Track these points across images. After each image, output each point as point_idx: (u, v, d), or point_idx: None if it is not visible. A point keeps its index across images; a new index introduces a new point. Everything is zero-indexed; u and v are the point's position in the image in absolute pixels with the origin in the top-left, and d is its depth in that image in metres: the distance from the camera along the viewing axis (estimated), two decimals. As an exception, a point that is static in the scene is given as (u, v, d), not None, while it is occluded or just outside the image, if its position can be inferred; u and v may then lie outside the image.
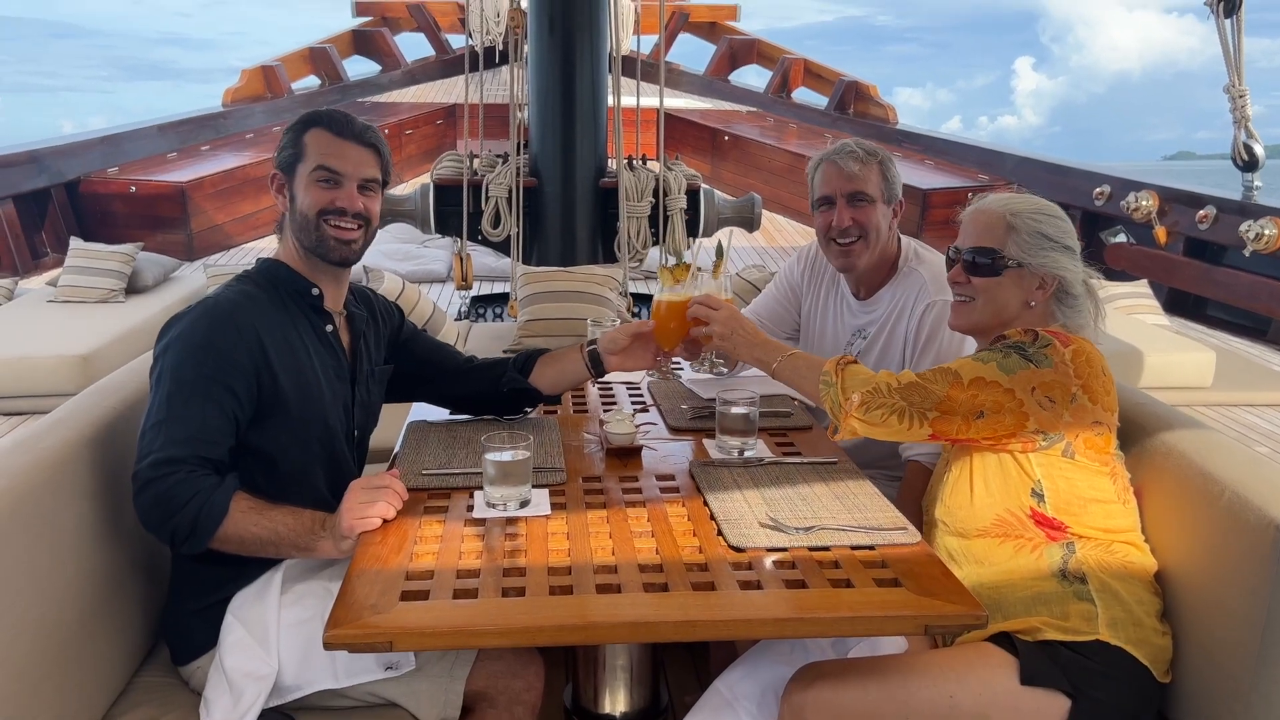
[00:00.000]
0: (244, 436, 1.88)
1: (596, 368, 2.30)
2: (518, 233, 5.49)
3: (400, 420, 2.39)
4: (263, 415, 1.90)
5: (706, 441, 2.19)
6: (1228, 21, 6.64)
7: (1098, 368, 1.87)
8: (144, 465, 1.75)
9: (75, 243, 6.31)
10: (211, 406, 1.82)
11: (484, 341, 4.85)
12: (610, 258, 5.69)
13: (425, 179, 5.85)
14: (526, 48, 5.88)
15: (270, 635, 1.83)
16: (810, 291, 2.73)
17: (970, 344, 2.25)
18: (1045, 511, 1.86)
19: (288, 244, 2.05)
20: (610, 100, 5.64)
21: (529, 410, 2.40)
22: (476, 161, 5.67)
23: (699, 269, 2.26)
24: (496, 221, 5.53)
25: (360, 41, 13.82)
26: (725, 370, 2.60)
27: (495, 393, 2.33)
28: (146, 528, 1.78)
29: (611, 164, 5.76)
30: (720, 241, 2.32)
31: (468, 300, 6.76)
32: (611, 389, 2.68)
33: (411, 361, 2.32)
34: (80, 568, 1.78)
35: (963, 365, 1.86)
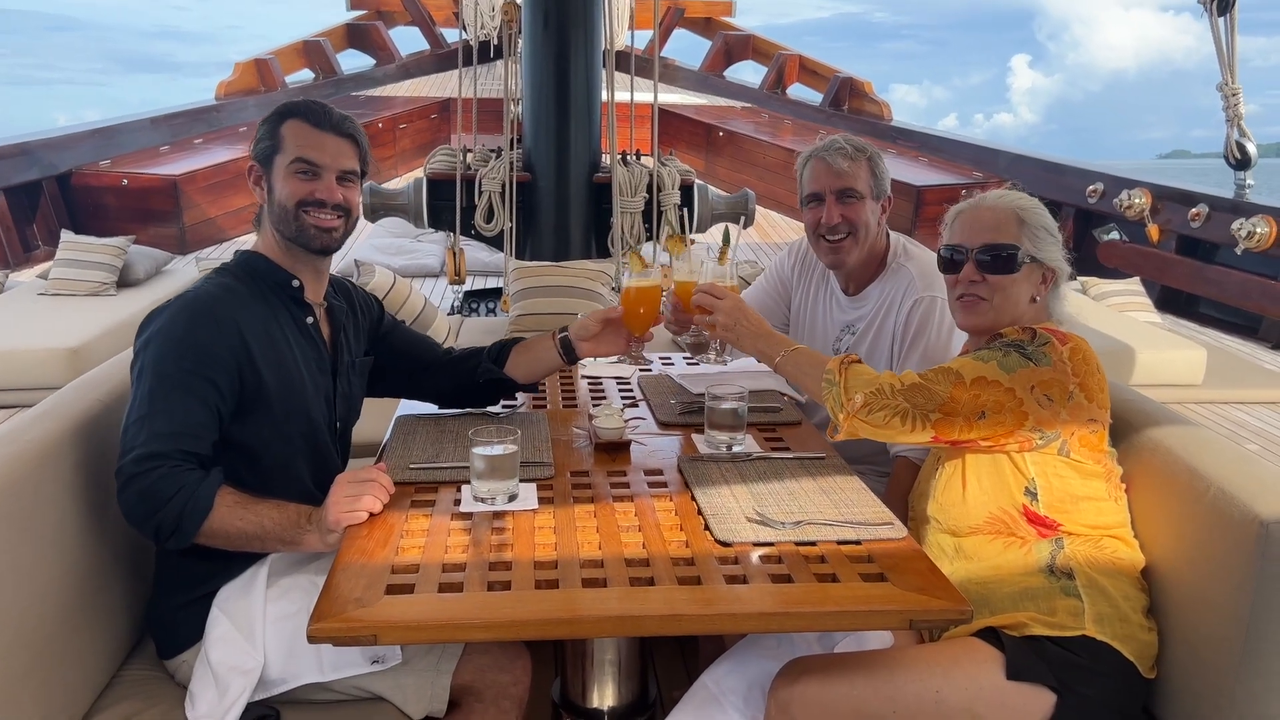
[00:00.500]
0: (226, 430, 1.87)
1: (569, 355, 2.29)
2: (511, 227, 5.48)
3: (387, 414, 2.39)
4: (245, 408, 1.89)
5: (695, 436, 2.19)
6: (1221, 20, 6.65)
7: (1093, 365, 1.87)
8: (127, 460, 1.74)
9: (66, 235, 6.29)
10: (194, 400, 1.81)
11: (476, 336, 4.84)
12: (604, 253, 5.69)
13: (418, 173, 5.84)
14: (521, 42, 5.86)
15: (256, 629, 1.83)
16: (800, 286, 2.73)
17: (958, 340, 2.25)
18: (1038, 510, 1.86)
19: (266, 236, 2.04)
20: (604, 95, 5.63)
21: (517, 404, 2.40)
22: (470, 156, 5.66)
23: (692, 241, 2.25)
24: (490, 216, 5.52)
25: (354, 35, 13.78)
26: (729, 359, 2.56)
27: (473, 384, 2.33)
28: (131, 523, 1.78)
29: (605, 159, 5.75)
30: (727, 229, 2.29)
31: (460, 295, 6.75)
32: (601, 384, 2.68)
33: (391, 354, 2.31)
34: (65, 561, 1.77)
35: (964, 365, 1.85)
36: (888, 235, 2.55)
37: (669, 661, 2.73)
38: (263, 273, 2.02)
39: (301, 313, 2.05)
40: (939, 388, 1.83)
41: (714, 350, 2.33)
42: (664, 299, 2.31)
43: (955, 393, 1.81)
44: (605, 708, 1.94)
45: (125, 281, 6.14)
